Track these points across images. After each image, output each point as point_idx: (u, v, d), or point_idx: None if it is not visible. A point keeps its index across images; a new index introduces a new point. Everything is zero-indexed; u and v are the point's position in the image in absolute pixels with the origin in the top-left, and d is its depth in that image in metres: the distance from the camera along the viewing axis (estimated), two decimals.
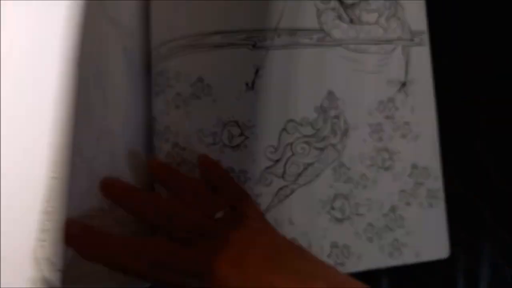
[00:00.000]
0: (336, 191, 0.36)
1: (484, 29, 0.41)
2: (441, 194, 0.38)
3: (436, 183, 0.38)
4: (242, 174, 0.34)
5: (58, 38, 0.32)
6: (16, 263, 0.30)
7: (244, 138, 0.34)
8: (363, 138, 0.36)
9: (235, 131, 0.34)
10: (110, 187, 0.31)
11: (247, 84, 0.35)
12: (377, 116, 0.37)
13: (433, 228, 0.38)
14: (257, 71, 0.35)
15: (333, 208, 0.36)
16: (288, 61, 0.35)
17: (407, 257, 0.37)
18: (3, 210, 0.29)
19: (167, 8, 0.35)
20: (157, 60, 0.35)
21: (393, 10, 0.37)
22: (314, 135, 0.36)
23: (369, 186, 0.36)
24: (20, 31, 0.32)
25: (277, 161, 0.35)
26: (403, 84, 0.37)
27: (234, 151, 0.34)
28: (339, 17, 0.36)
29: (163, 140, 0.35)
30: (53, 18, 0.32)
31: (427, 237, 0.37)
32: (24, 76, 0.32)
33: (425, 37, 0.38)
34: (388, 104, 0.37)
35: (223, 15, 0.35)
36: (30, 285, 0.29)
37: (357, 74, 0.36)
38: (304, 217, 0.35)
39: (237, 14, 0.35)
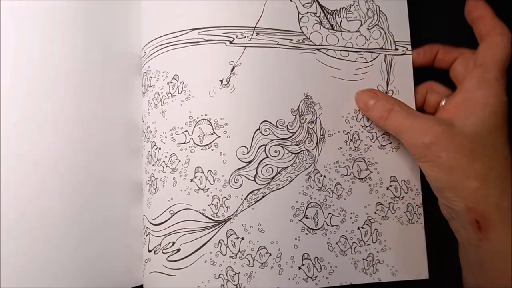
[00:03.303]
0: (310, 199, 0.34)
1: (468, 39, 0.40)
2: (421, 210, 0.36)
3: (417, 198, 0.36)
4: (211, 174, 0.33)
5: None
6: None
7: (215, 137, 0.33)
8: (339, 146, 0.35)
9: (206, 129, 0.33)
10: None
11: (221, 81, 0.34)
12: (354, 125, 0.36)
13: (412, 245, 0.36)
14: (233, 68, 0.34)
15: (306, 217, 0.34)
16: (265, 60, 0.34)
17: (383, 275, 0.35)
18: None
19: (151, 8, 0.35)
20: (143, 60, 0.36)
21: (375, 20, 0.37)
22: (290, 138, 0.34)
23: (343, 196, 0.35)
24: None
25: (249, 162, 0.33)
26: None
27: (204, 150, 0.33)
28: (320, 23, 0.36)
29: (145, 140, 0.34)
30: None
31: (405, 255, 0.35)
32: None
33: (409, 48, 0.37)
34: None
35: (201, 12, 0.34)
36: None
37: (334, 80, 0.36)
38: (275, 224, 0.33)
39: (215, 11, 0.34)
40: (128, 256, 0.35)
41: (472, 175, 0.30)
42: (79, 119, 0.34)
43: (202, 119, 0.33)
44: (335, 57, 0.36)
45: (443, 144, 0.30)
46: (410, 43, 0.37)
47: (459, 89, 0.33)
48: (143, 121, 0.36)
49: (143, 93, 0.36)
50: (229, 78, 0.34)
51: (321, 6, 0.36)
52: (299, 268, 0.33)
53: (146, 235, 0.33)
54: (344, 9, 0.36)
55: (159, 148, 0.34)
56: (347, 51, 0.36)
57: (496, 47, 0.32)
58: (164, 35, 0.34)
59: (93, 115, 0.35)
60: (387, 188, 0.36)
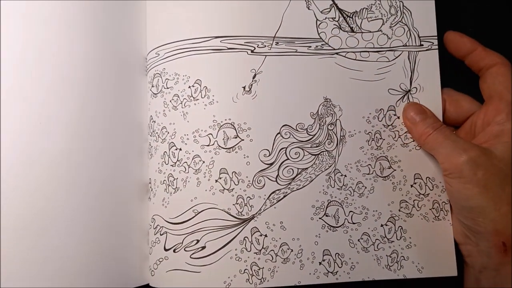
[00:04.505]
0: (330, 198, 0.35)
1: (496, 33, 0.38)
2: (448, 207, 0.36)
3: (443, 195, 0.36)
4: (235, 175, 0.35)
5: None
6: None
7: (239, 140, 0.36)
8: (360, 146, 0.36)
9: (230, 132, 0.36)
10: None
11: (244, 88, 0.36)
12: (376, 124, 0.36)
13: (439, 242, 0.36)
14: (254, 76, 0.36)
15: (326, 215, 0.35)
16: (285, 67, 0.36)
17: (408, 271, 0.35)
18: None
19: (167, 10, 0.37)
20: (154, 61, 0.38)
21: (399, 16, 0.37)
22: (309, 140, 0.36)
23: (365, 194, 0.36)
24: None
25: (271, 164, 0.36)
26: (407, 92, 0.36)
27: (228, 153, 0.35)
28: (339, 27, 0.37)
29: (159, 141, 0.37)
30: None
31: (432, 252, 0.36)
32: None
33: (435, 42, 0.37)
34: (389, 112, 0.36)
35: (223, 21, 0.36)
36: None
37: (354, 82, 0.36)
38: (296, 222, 0.35)
39: (237, 21, 0.36)
40: (135, 255, 0.36)
41: (504, 198, 0.31)
42: (84, 118, 0.35)
43: (226, 123, 0.36)
44: (355, 59, 0.36)
45: (482, 162, 0.31)
46: (436, 38, 0.37)
47: (487, 120, 0.34)
48: (154, 121, 0.37)
49: (154, 94, 0.38)
50: (251, 85, 0.36)
51: (340, 10, 0.37)
52: (320, 263, 0.35)
53: (161, 234, 0.36)
54: (364, 9, 0.37)
55: (180, 149, 0.36)
56: (368, 51, 0.37)
57: (505, 77, 0.34)
58: (183, 40, 0.36)
59: (98, 115, 0.36)
60: (412, 186, 0.36)
